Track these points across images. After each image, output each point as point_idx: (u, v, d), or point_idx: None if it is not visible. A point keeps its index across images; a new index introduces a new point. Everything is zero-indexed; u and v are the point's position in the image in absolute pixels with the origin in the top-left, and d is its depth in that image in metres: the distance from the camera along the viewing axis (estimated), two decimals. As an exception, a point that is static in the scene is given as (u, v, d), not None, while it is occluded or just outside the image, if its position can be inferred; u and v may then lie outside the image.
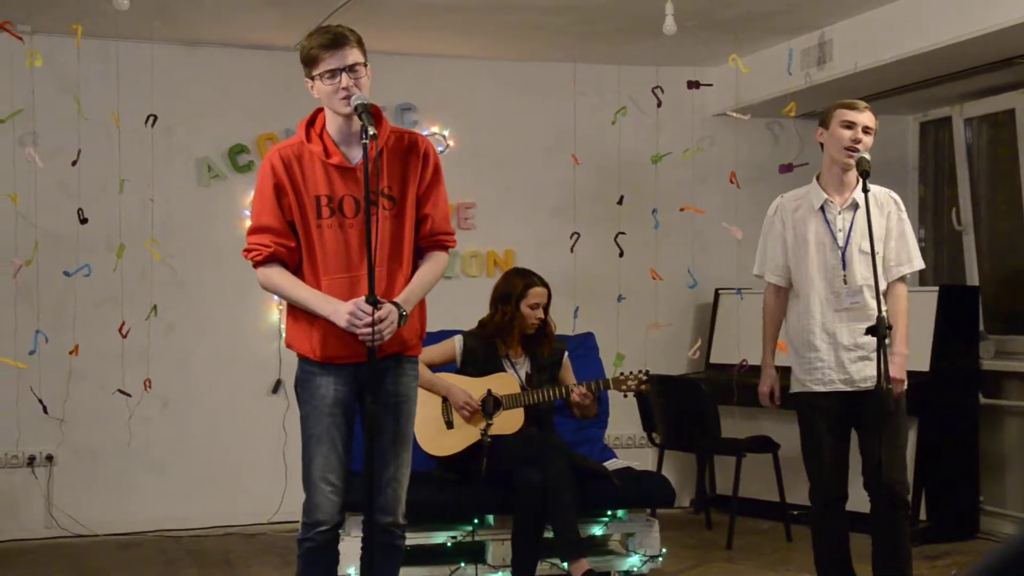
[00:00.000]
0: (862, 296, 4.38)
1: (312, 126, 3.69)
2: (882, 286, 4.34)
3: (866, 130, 4.41)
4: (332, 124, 3.66)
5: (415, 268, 3.73)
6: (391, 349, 3.63)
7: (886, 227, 4.44)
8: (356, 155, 3.64)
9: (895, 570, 4.38)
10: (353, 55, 3.58)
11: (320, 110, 3.72)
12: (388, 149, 3.67)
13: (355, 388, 3.69)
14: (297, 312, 3.70)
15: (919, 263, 4.52)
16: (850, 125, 4.41)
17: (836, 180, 4.48)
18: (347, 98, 3.55)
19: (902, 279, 4.50)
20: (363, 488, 3.51)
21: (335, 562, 3.79)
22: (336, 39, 3.57)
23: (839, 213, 4.45)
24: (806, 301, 4.51)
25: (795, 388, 4.59)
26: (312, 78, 3.61)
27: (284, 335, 3.90)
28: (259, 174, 3.71)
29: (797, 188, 4.71)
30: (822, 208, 4.48)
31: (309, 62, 3.60)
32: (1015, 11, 5.30)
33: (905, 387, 4.42)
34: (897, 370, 4.35)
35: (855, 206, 4.42)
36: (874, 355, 4.24)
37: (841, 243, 4.43)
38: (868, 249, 4.25)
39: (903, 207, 4.53)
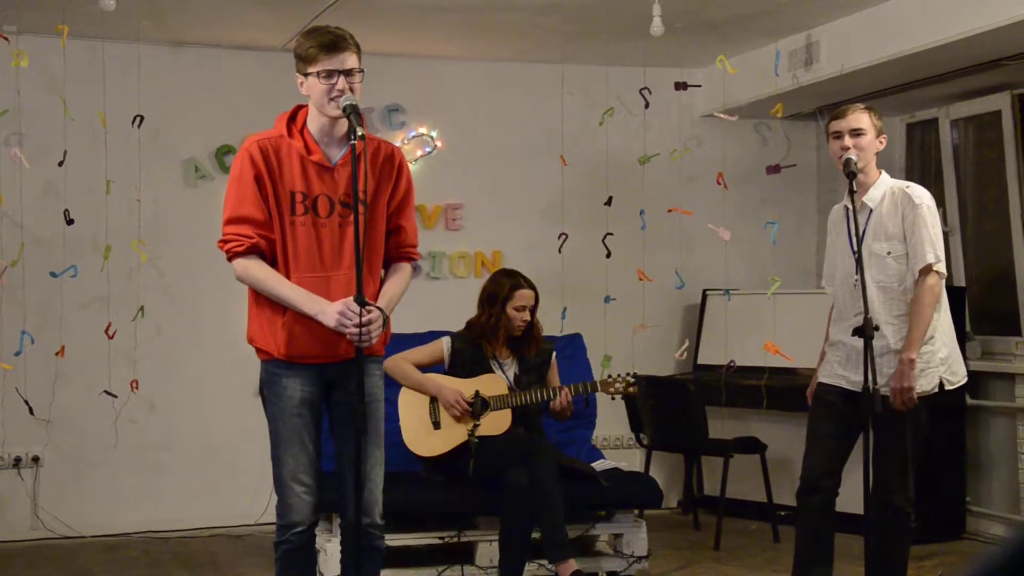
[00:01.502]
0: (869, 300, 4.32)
1: (293, 122, 3.67)
2: (899, 285, 4.31)
3: (855, 132, 4.39)
4: (314, 123, 3.65)
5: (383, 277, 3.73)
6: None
7: (903, 227, 4.37)
8: (335, 155, 3.63)
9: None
10: (351, 60, 3.57)
11: (301, 107, 3.70)
12: (366, 156, 3.65)
13: (321, 388, 3.69)
14: (263, 306, 3.65)
15: (930, 257, 4.27)
16: (837, 135, 4.42)
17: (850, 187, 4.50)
18: (337, 99, 3.54)
19: (921, 277, 4.30)
20: (337, 489, 3.51)
21: (313, 562, 3.81)
22: (336, 42, 3.55)
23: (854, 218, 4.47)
24: (835, 303, 4.55)
25: None
26: (305, 75, 3.59)
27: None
28: (236, 163, 3.65)
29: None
30: (846, 214, 4.50)
31: (306, 60, 3.57)
32: (1001, 13, 5.32)
33: (908, 397, 4.23)
34: (896, 378, 4.24)
35: (868, 209, 4.42)
36: (883, 359, 4.25)
37: (855, 247, 4.38)
38: (879, 251, 4.31)
39: (920, 201, 4.33)
